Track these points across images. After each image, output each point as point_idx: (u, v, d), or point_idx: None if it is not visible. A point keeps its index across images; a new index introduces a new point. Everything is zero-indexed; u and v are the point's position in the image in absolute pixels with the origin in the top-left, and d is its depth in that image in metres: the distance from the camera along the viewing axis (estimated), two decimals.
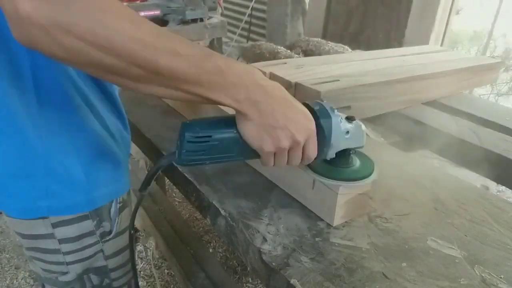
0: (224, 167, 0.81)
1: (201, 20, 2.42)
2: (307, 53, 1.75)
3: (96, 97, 0.68)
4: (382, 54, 1.33)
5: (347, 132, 0.59)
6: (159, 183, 1.86)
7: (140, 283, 1.65)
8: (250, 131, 0.55)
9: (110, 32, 0.42)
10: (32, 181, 0.64)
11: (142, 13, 2.30)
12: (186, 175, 0.80)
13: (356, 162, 0.66)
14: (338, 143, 0.60)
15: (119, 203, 0.75)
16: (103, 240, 0.74)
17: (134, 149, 1.83)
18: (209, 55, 0.49)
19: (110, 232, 0.75)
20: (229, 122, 0.56)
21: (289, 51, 1.76)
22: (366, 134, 0.65)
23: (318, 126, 0.58)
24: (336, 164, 0.64)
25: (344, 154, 0.62)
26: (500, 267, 0.59)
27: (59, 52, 0.43)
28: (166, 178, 1.78)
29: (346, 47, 1.77)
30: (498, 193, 2.22)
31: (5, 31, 0.50)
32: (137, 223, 1.86)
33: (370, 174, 0.64)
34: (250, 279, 1.66)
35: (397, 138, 1.07)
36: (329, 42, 1.82)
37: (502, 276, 0.57)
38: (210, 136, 0.56)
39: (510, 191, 2.17)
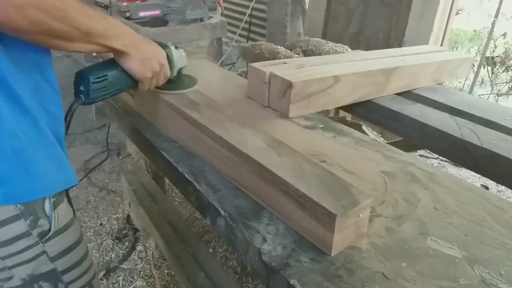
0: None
1: (201, 20, 2.42)
2: (307, 53, 1.76)
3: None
4: (382, 54, 1.33)
5: (180, 55, 0.92)
6: (159, 183, 1.86)
7: (140, 283, 1.65)
8: (133, 65, 0.78)
9: (64, 5, 0.59)
10: None
11: (142, 13, 2.30)
12: (186, 175, 0.80)
13: (185, 78, 1.00)
14: (177, 63, 0.92)
15: (52, 197, 0.69)
16: (42, 240, 0.69)
17: (134, 149, 1.83)
18: (106, 15, 0.71)
19: (49, 230, 0.69)
20: (112, 63, 0.78)
21: (289, 51, 1.76)
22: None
23: (167, 55, 0.88)
24: (174, 82, 0.95)
25: (179, 77, 0.96)
26: (500, 267, 0.59)
27: (25, 25, 0.55)
28: (166, 178, 1.78)
29: (346, 47, 1.77)
30: (498, 193, 2.22)
31: None
32: (137, 223, 1.86)
33: (195, 84, 1.01)
34: (250, 279, 1.66)
35: (397, 138, 1.07)
36: (329, 42, 1.82)
37: (502, 272, 0.57)
38: (106, 75, 0.77)
39: (510, 191, 2.17)
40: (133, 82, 0.82)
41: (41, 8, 0.56)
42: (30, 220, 0.66)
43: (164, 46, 0.88)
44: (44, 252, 0.70)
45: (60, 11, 0.58)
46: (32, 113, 0.65)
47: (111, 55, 0.78)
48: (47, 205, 0.68)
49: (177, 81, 0.96)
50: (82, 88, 0.76)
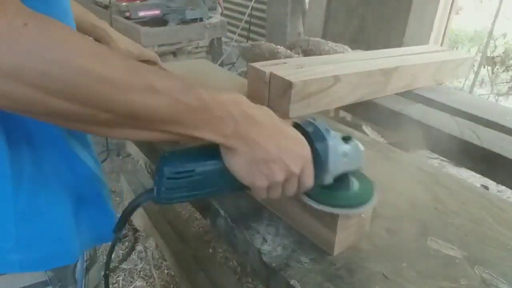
0: None
1: (201, 20, 2.42)
2: (307, 53, 1.75)
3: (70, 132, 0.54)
4: (382, 54, 1.33)
5: (345, 154, 0.53)
6: None
7: (140, 283, 1.65)
8: (239, 166, 0.48)
9: (70, 74, 0.34)
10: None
11: (142, 13, 2.30)
12: None
13: (355, 185, 0.58)
14: (335, 168, 0.53)
15: (86, 260, 0.60)
16: None
17: (134, 149, 1.83)
18: (190, 87, 0.42)
19: None
20: (213, 151, 0.50)
21: (289, 51, 1.75)
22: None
23: (313, 151, 0.52)
24: (333, 189, 0.56)
25: (341, 178, 0.56)
26: (500, 267, 0.59)
27: (4, 102, 0.34)
28: None
29: (346, 47, 1.76)
30: (498, 193, 2.22)
31: None
32: (137, 223, 1.86)
33: (369, 198, 0.57)
34: (250, 279, 1.66)
35: (397, 138, 1.07)
36: (329, 42, 1.82)
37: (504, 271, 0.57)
38: (193, 171, 0.49)
39: (510, 191, 2.17)
40: (243, 186, 0.52)
41: (24, 79, 0.33)
42: (58, 287, 0.56)
43: (318, 137, 0.52)
44: None
45: (64, 84, 0.34)
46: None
47: None
48: (79, 269, 0.58)
49: (338, 187, 0.57)
50: (157, 178, 0.50)
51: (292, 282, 0.55)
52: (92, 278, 0.63)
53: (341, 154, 0.53)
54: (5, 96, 0.33)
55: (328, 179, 0.53)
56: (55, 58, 0.33)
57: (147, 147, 0.96)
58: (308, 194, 0.57)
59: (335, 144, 0.52)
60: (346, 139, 0.54)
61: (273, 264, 0.58)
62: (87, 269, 0.60)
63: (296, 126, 0.54)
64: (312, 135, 0.52)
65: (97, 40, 0.81)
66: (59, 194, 0.54)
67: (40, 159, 0.51)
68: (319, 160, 0.52)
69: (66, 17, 0.54)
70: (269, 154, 0.47)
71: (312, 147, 0.52)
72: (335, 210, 0.55)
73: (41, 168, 0.51)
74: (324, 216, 0.58)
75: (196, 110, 0.42)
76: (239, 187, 0.52)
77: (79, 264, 0.58)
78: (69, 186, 0.55)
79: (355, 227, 0.61)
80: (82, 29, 0.80)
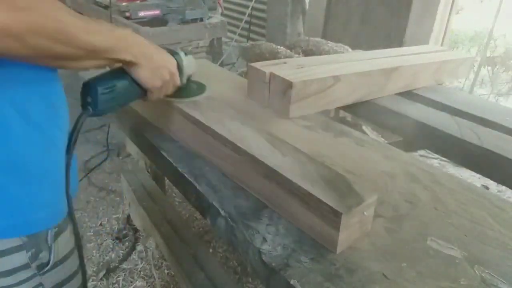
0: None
1: (201, 20, 2.42)
2: (307, 53, 1.75)
3: (35, 108, 0.62)
4: (382, 54, 1.33)
5: (190, 61, 0.87)
6: (159, 184, 1.86)
7: (140, 283, 1.65)
8: (143, 75, 0.72)
9: (66, 27, 0.53)
10: None
11: (142, 13, 2.30)
12: (186, 175, 0.79)
13: (193, 85, 0.95)
14: (187, 70, 0.86)
15: (55, 228, 0.66)
16: (41, 272, 0.66)
17: (134, 149, 1.83)
18: (113, 27, 0.64)
19: (48, 262, 0.66)
20: (121, 72, 0.73)
21: (289, 51, 1.76)
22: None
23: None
24: (183, 90, 0.89)
25: (188, 83, 0.91)
26: (500, 267, 0.59)
27: (27, 52, 0.51)
28: (166, 178, 1.78)
29: (347, 47, 1.76)
30: (498, 193, 2.22)
31: None
32: (137, 223, 1.86)
33: (205, 90, 0.97)
34: (250, 279, 1.66)
35: (397, 138, 1.07)
36: (329, 42, 1.82)
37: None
38: (115, 85, 0.72)
39: (510, 191, 2.17)
40: (142, 92, 0.77)
41: (42, 34, 0.51)
42: (31, 252, 0.63)
43: (174, 53, 0.83)
44: (40, 284, 0.67)
45: (62, 34, 0.53)
46: (48, 134, 0.62)
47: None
48: (50, 236, 0.65)
49: (186, 88, 0.91)
50: (89, 99, 0.70)
51: (292, 282, 0.55)
52: (62, 247, 0.69)
53: (188, 61, 0.86)
54: (30, 47, 0.50)
55: (184, 79, 0.87)
56: (61, 19, 0.53)
57: (147, 147, 0.97)
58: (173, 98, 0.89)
59: (183, 55, 0.85)
60: (186, 53, 0.86)
61: (273, 264, 0.58)
62: (55, 236, 0.66)
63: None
64: (171, 52, 0.82)
65: None
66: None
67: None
68: (178, 66, 0.82)
69: None
70: (159, 63, 0.75)
71: (176, 61, 0.82)
72: (185, 100, 0.91)
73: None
74: (327, 214, 0.59)
75: (120, 41, 0.65)
76: (141, 93, 0.77)
77: (49, 231, 0.65)
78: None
79: (358, 225, 0.62)
80: None
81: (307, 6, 3.15)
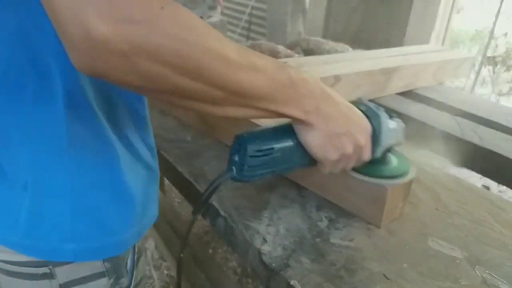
0: (224, 166, 0.81)
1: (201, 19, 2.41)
2: (307, 52, 1.75)
3: (126, 119, 0.55)
4: (383, 53, 1.33)
5: (393, 129, 0.60)
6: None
7: None
8: (315, 141, 0.52)
9: (197, 53, 0.37)
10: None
11: None
12: (185, 175, 0.79)
13: (394, 159, 0.66)
14: (386, 141, 0.60)
15: (136, 253, 0.61)
16: None
17: None
18: (282, 66, 0.47)
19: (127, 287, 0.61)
20: (287, 130, 0.54)
21: (289, 50, 1.75)
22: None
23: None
24: (376, 163, 0.63)
25: (383, 154, 0.63)
26: (501, 267, 0.59)
27: (135, 80, 0.36)
28: (165, 178, 1.78)
29: (347, 46, 1.76)
30: (499, 193, 2.21)
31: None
32: None
33: (408, 170, 0.66)
34: (250, 280, 1.66)
35: None
36: (329, 41, 1.81)
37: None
38: (272, 148, 0.53)
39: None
40: (310, 161, 0.56)
41: (161, 58, 0.35)
42: (113, 279, 0.58)
43: (371, 114, 0.58)
44: None
45: (193, 62, 0.37)
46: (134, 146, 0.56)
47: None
48: (130, 261, 0.60)
49: (376, 164, 0.63)
50: (236, 158, 0.53)
51: (292, 282, 0.55)
52: (140, 271, 0.64)
53: (391, 129, 0.59)
54: (139, 73, 0.35)
55: (380, 153, 0.60)
56: (186, 38, 0.36)
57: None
58: (354, 169, 0.63)
59: (385, 119, 0.59)
60: (391, 116, 0.60)
61: (273, 265, 0.57)
62: (136, 261, 0.62)
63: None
64: (367, 112, 0.58)
65: None
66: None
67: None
68: (374, 135, 0.58)
69: None
70: (341, 128, 0.52)
71: (370, 123, 0.58)
72: (383, 182, 0.62)
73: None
74: (371, 188, 0.63)
75: (286, 87, 0.46)
76: (310, 162, 0.56)
77: (130, 255, 0.60)
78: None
79: (400, 197, 0.66)
80: None
81: (307, 5, 3.15)
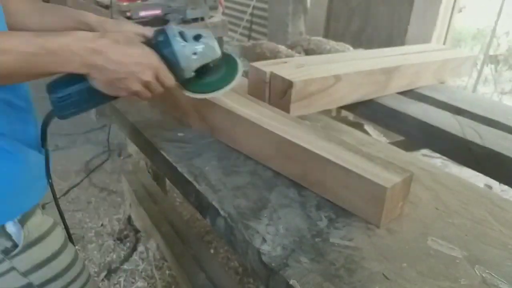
0: (224, 166, 0.81)
1: (202, 19, 2.41)
2: (308, 52, 1.75)
3: None
4: (384, 52, 1.32)
5: (195, 52, 0.65)
6: (159, 184, 1.86)
7: (141, 284, 1.65)
8: (101, 85, 0.62)
9: None
10: None
11: (143, 13, 2.30)
12: (185, 175, 0.79)
13: (218, 70, 0.71)
14: (189, 65, 0.66)
15: (19, 219, 0.67)
16: (8, 256, 0.66)
17: (134, 149, 1.83)
18: (32, 40, 0.54)
19: (13, 246, 0.66)
20: (81, 78, 0.62)
21: (290, 50, 1.75)
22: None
23: (163, 57, 0.64)
24: (205, 77, 0.70)
25: (206, 68, 0.68)
26: (501, 267, 0.58)
27: None
28: (166, 179, 1.78)
29: (348, 46, 1.76)
30: (501, 192, 2.20)
31: None
32: (138, 224, 1.86)
33: (234, 76, 0.72)
34: (251, 279, 1.66)
35: (398, 137, 1.06)
36: (330, 41, 1.81)
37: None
38: (69, 94, 0.63)
39: None
40: (110, 97, 0.66)
41: None
42: None
43: (163, 45, 0.63)
44: (13, 268, 0.67)
45: None
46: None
47: None
48: (10, 226, 0.65)
49: (201, 80, 0.70)
50: (51, 104, 0.65)
51: (291, 282, 0.54)
52: (33, 228, 0.69)
53: (191, 53, 0.65)
54: None
55: (188, 74, 0.67)
56: None
57: (147, 147, 0.96)
58: (186, 86, 0.71)
59: (181, 47, 0.64)
60: (197, 37, 0.65)
61: (273, 264, 0.57)
62: (25, 220, 0.67)
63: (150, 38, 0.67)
64: (159, 44, 0.64)
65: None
66: None
67: None
68: (171, 63, 0.64)
69: None
70: (118, 73, 0.60)
71: (161, 53, 0.64)
72: (207, 95, 0.71)
73: None
74: (370, 187, 0.63)
75: (44, 58, 0.55)
76: (111, 97, 0.66)
77: (8, 224, 0.65)
78: None
79: (399, 193, 0.65)
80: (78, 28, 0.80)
81: (308, 5, 3.15)
